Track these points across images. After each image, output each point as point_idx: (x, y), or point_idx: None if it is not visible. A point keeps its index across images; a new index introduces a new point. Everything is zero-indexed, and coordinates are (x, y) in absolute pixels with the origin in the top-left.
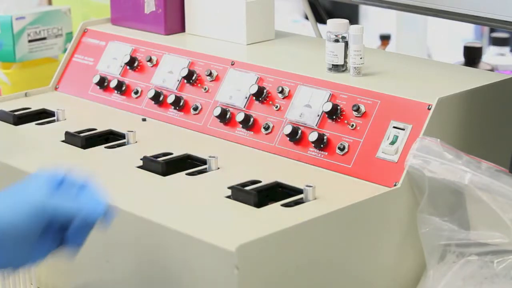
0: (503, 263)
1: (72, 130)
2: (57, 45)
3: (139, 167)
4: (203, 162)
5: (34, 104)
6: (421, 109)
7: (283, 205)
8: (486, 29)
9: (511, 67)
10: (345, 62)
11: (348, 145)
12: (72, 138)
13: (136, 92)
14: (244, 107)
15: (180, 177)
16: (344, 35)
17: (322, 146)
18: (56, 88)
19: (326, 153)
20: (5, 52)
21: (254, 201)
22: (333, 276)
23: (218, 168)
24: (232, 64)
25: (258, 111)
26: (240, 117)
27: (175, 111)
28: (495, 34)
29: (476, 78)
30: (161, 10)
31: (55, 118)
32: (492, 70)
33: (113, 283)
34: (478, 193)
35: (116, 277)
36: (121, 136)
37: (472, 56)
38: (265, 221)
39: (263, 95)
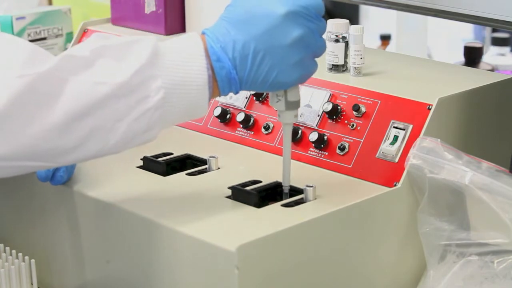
0: (503, 263)
1: None
2: (57, 45)
3: (139, 167)
4: (203, 162)
5: None
6: (421, 109)
7: (283, 205)
8: (488, 29)
9: (511, 67)
10: (345, 62)
11: (348, 145)
12: None
13: None
14: (244, 107)
15: (181, 177)
16: (344, 35)
17: (322, 146)
18: None
19: (326, 153)
20: None
21: (254, 201)
22: (333, 276)
23: (218, 168)
24: None
25: (258, 111)
26: (240, 117)
27: None
28: (495, 34)
29: (476, 78)
30: (161, 10)
31: None
32: (492, 70)
33: (113, 283)
34: (478, 193)
35: (116, 277)
36: None
37: (472, 56)
38: (265, 221)
39: (263, 95)
